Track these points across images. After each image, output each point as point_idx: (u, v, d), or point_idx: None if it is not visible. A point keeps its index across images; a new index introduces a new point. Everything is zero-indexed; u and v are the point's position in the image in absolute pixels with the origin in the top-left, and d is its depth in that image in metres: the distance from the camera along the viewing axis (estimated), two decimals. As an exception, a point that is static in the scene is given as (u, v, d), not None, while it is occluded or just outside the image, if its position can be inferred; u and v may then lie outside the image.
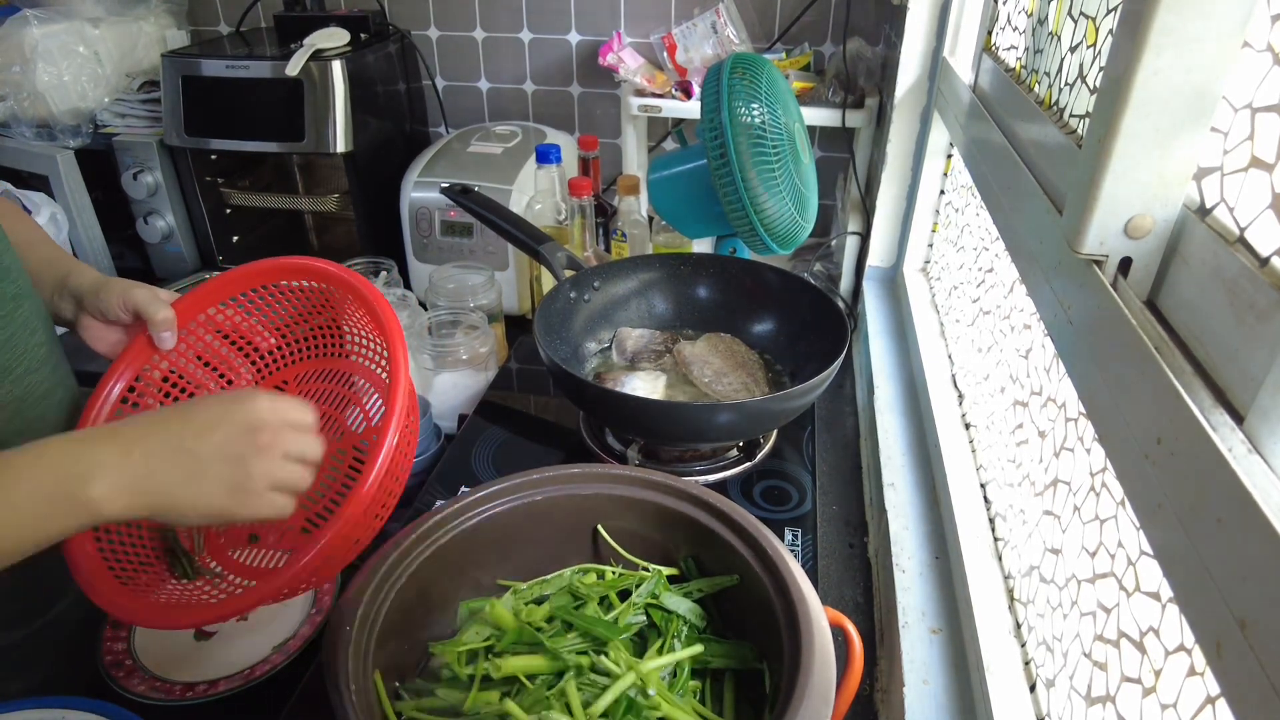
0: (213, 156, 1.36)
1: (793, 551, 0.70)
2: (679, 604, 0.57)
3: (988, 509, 0.69)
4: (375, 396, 0.70)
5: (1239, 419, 0.31)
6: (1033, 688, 0.53)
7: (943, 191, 1.03)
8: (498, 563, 0.61)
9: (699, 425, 0.79)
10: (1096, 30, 0.51)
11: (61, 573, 0.57)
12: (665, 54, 1.30)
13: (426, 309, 1.08)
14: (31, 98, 1.27)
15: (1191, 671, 0.35)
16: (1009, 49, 0.75)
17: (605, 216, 1.21)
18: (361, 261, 1.18)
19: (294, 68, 1.18)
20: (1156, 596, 0.39)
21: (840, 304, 0.99)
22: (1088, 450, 0.50)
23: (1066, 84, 0.56)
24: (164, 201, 1.35)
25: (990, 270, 0.78)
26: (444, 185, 1.06)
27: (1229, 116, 0.37)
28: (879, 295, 1.13)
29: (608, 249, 1.21)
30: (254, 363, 0.72)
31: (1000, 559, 0.64)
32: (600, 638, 0.54)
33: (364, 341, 0.70)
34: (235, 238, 1.44)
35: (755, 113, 0.93)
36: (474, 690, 0.52)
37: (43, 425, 0.62)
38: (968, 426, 0.79)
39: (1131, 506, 0.36)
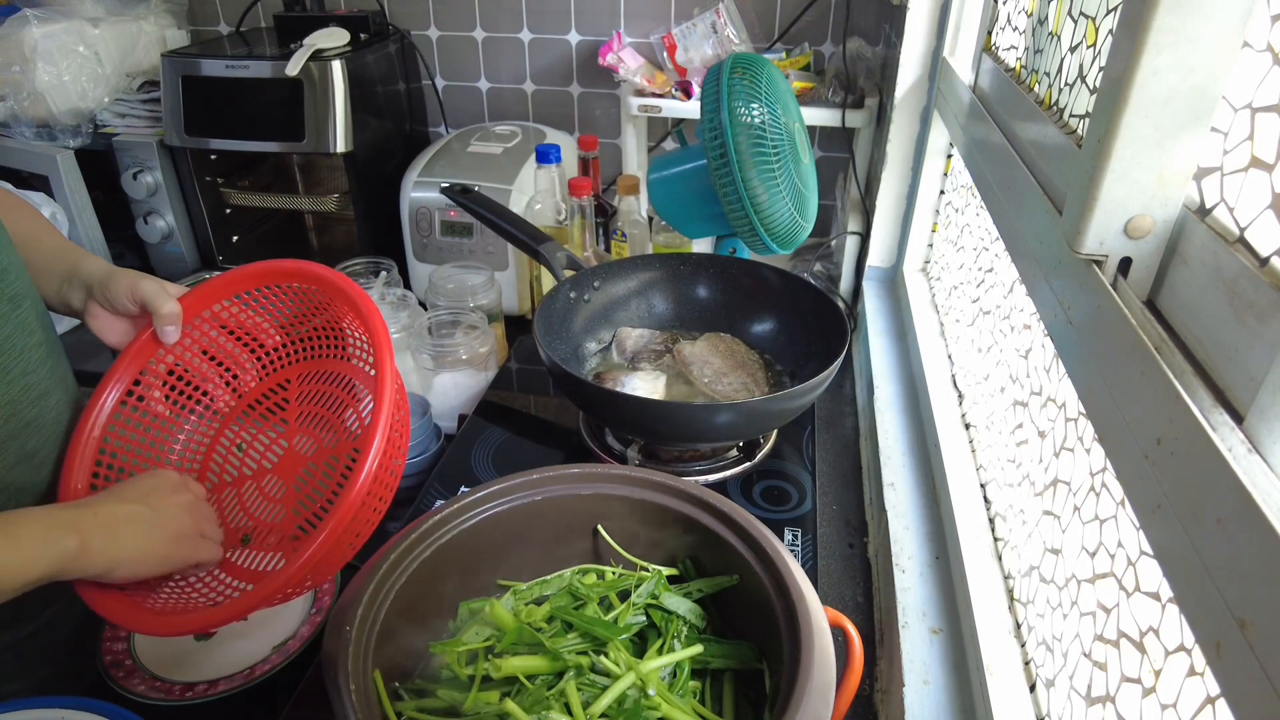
0: (212, 156, 1.36)
1: (793, 551, 0.70)
2: (679, 604, 0.57)
3: (988, 509, 0.69)
4: (369, 400, 0.70)
5: (1239, 419, 0.31)
6: (1033, 688, 0.53)
7: (943, 191, 1.03)
8: (497, 563, 0.61)
9: (699, 425, 0.79)
10: (1096, 30, 0.51)
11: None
12: (665, 54, 1.30)
13: (426, 309, 1.08)
14: (31, 98, 1.27)
15: (1191, 672, 0.35)
16: (1009, 49, 0.75)
17: (605, 216, 1.21)
18: (361, 261, 1.18)
19: (294, 68, 1.18)
20: (1156, 597, 0.39)
21: (840, 304, 0.99)
22: (1088, 450, 0.50)
23: (1066, 84, 0.56)
24: (164, 201, 1.35)
25: (990, 270, 0.78)
26: (444, 185, 1.06)
27: (1229, 116, 0.37)
28: (879, 295, 1.13)
29: (608, 249, 1.21)
30: (259, 359, 0.72)
31: (1000, 559, 0.64)
32: (600, 638, 0.54)
33: (360, 344, 0.70)
34: (235, 238, 1.44)
35: (755, 113, 0.93)
36: (474, 690, 0.52)
37: (39, 426, 0.62)
38: (968, 426, 0.79)
39: (1131, 506, 0.36)
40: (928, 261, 1.09)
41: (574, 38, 1.45)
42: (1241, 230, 0.34)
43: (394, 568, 0.54)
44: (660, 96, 1.25)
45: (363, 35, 1.33)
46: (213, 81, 1.25)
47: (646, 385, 0.90)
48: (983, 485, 0.71)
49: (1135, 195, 0.40)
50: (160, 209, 1.36)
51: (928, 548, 0.71)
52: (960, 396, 0.83)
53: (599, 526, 0.62)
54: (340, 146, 1.24)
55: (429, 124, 1.57)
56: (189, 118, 1.27)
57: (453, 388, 1.02)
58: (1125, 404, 0.38)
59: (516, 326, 1.22)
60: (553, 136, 1.39)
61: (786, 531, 0.78)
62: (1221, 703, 0.33)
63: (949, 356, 0.90)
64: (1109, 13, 0.50)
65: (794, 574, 0.52)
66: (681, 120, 1.40)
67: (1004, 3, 0.78)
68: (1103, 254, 0.42)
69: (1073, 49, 0.55)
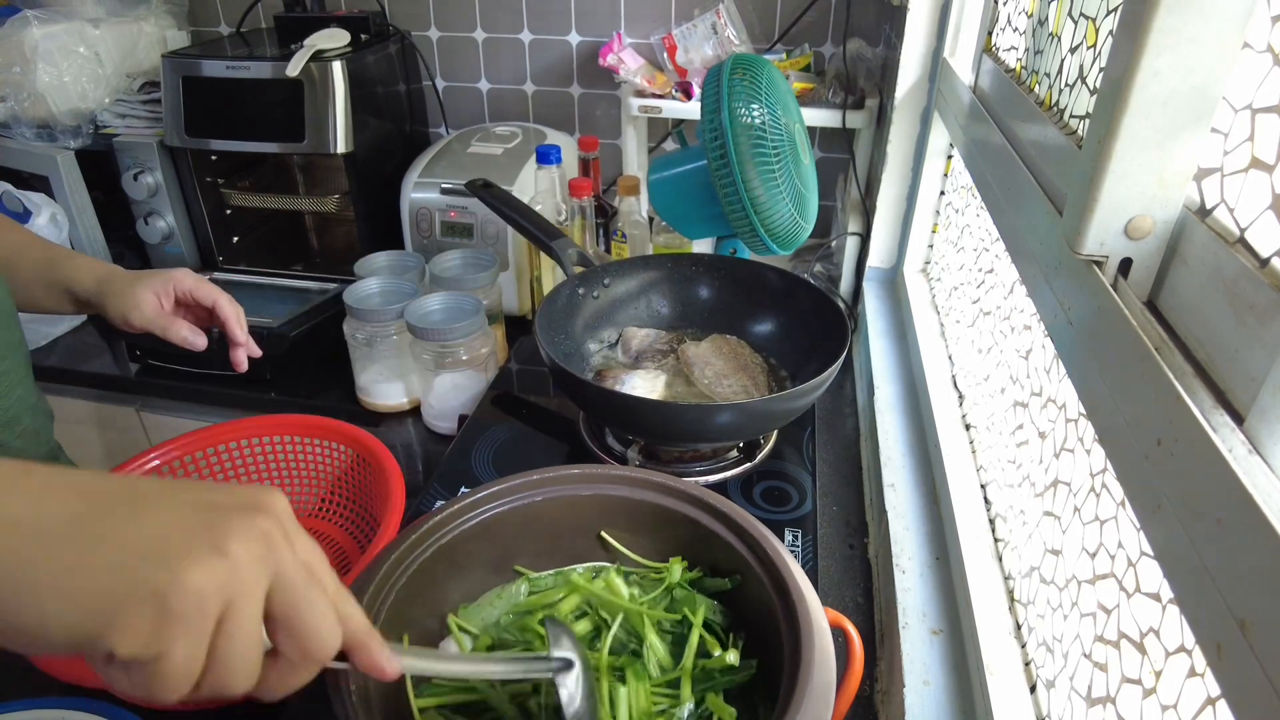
0: (213, 157, 1.36)
1: (793, 552, 0.70)
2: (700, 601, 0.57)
3: (988, 510, 0.69)
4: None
5: (1239, 419, 0.31)
6: (1033, 689, 0.53)
7: (943, 192, 1.03)
8: (497, 563, 0.61)
9: (699, 425, 0.79)
10: (1096, 31, 0.51)
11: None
12: (665, 55, 1.30)
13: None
14: (32, 98, 1.27)
15: (1192, 672, 0.35)
16: (1009, 50, 0.75)
17: (605, 217, 1.22)
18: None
19: (294, 68, 1.19)
20: (1157, 597, 0.39)
21: (840, 305, 0.99)
22: (1088, 451, 0.50)
23: (1067, 85, 0.56)
24: (164, 202, 1.35)
25: (990, 271, 0.78)
26: (465, 181, 1.07)
27: (1229, 117, 0.37)
28: (879, 296, 1.13)
29: (608, 250, 1.21)
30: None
31: (1000, 560, 0.64)
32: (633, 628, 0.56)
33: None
34: (235, 238, 1.44)
35: (755, 113, 0.93)
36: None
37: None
38: (968, 427, 0.79)
39: (1131, 507, 0.36)
40: (928, 262, 1.09)
41: (574, 38, 1.45)
42: (1242, 231, 0.34)
43: (394, 568, 0.54)
44: (660, 97, 1.25)
45: (363, 36, 1.33)
46: (213, 82, 1.25)
47: (646, 384, 0.90)
48: (983, 486, 0.71)
49: (1135, 196, 0.40)
50: (160, 210, 1.36)
51: (928, 548, 0.71)
52: (960, 397, 0.83)
53: (604, 533, 0.62)
54: (341, 147, 1.24)
55: (429, 125, 1.57)
56: (189, 118, 1.27)
57: (452, 388, 1.02)
58: (1125, 405, 0.38)
59: (516, 327, 1.22)
60: (553, 137, 1.39)
61: (787, 532, 0.78)
62: (1222, 704, 0.33)
63: (949, 357, 0.90)
64: (1109, 14, 0.50)
65: (794, 575, 0.52)
66: (682, 121, 1.40)
67: (1004, 3, 0.78)
68: (1103, 255, 0.42)
69: (1073, 50, 0.55)
